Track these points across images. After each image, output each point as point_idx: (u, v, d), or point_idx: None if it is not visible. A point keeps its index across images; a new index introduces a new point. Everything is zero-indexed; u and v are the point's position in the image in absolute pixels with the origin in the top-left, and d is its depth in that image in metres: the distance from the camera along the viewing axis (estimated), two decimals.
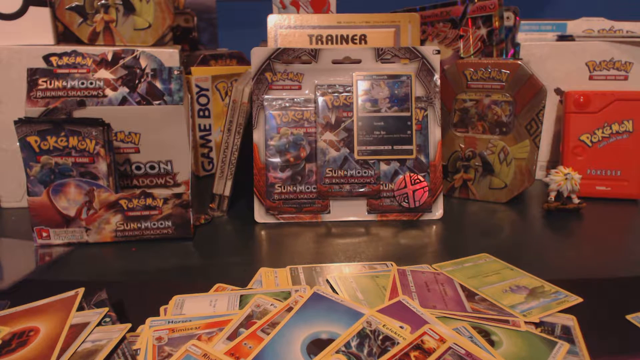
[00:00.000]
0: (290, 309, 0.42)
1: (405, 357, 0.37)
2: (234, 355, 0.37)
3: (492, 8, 0.81)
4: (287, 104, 0.68)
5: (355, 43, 0.76)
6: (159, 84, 0.63)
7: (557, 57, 0.82)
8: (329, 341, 0.38)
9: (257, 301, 0.43)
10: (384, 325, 0.40)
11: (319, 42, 0.76)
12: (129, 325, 0.41)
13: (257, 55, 0.67)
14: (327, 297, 0.44)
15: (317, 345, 0.38)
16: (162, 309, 0.44)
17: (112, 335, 0.40)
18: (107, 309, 0.43)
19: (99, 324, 0.41)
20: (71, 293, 0.45)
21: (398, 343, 0.38)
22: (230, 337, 0.39)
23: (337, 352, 0.37)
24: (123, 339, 0.40)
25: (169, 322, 0.41)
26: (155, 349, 0.38)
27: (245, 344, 0.38)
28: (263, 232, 0.65)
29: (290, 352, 0.37)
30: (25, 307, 0.44)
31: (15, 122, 0.56)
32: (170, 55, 0.71)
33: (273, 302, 0.44)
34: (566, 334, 0.41)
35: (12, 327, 0.41)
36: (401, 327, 0.40)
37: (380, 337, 0.39)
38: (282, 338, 0.39)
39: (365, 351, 0.37)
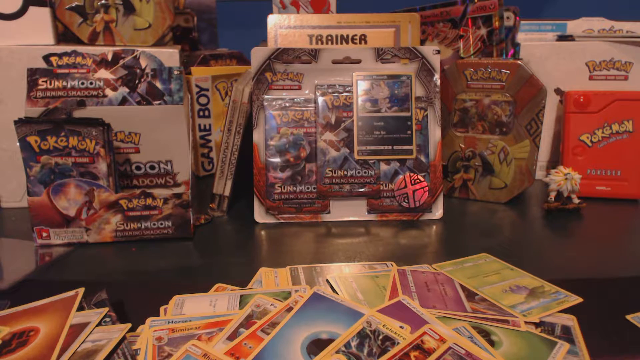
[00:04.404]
0: (290, 309, 0.42)
1: (405, 357, 0.37)
2: (234, 355, 0.37)
3: (492, 8, 0.81)
4: (287, 104, 0.68)
5: (355, 43, 0.76)
6: (159, 84, 0.63)
7: (557, 57, 0.82)
8: (329, 341, 0.38)
9: (257, 301, 0.43)
10: (384, 325, 0.40)
11: (319, 42, 0.76)
12: (129, 325, 0.41)
13: (257, 55, 0.67)
14: (327, 297, 0.44)
15: (317, 345, 0.38)
16: (162, 309, 0.44)
17: (112, 335, 0.40)
18: (107, 309, 0.43)
19: (99, 324, 0.41)
20: (71, 293, 0.45)
21: (398, 343, 0.38)
22: (230, 337, 0.39)
23: (337, 352, 0.37)
24: (123, 339, 0.40)
25: (169, 322, 0.41)
26: (155, 349, 0.38)
27: (245, 344, 0.38)
28: (263, 232, 0.65)
29: (290, 352, 0.37)
30: (25, 307, 0.44)
31: (15, 122, 0.56)
32: (170, 55, 0.71)
33: (273, 302, 0.44)
34: (566, 334, 0.41)
35: (12, 327, 0.41)
36: (401, 327, 0.40)
37: (380, 337, 0.39)
38: (282, 338, 0.39)
39: (365, 351, 0.37)
